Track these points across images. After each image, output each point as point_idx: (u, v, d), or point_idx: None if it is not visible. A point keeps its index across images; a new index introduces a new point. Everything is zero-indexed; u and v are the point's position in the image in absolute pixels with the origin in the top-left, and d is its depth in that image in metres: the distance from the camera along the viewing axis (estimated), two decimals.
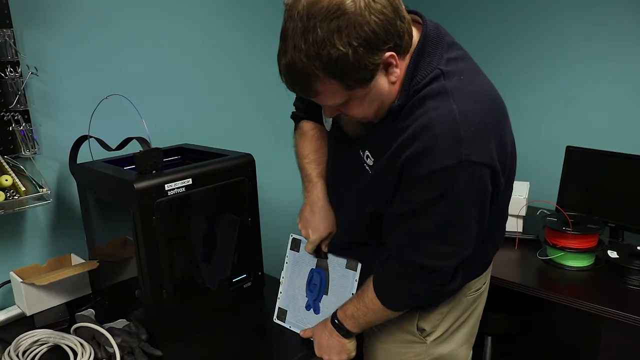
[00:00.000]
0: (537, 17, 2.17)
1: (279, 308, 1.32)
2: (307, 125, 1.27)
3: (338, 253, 1.24)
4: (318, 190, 1.22)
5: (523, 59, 2.25)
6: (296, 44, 0.83)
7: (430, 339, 1.18)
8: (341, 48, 0.81)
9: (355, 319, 1.13)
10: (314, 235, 1.21)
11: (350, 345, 1.18)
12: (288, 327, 1.29)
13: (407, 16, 0.90)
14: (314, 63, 0.83)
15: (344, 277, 1.22)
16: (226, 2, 1.83)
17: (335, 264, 1.24)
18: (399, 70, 0.92)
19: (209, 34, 1.81)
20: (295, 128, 1.31)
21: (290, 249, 1.32)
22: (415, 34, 0.94)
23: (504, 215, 1.19)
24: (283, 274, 1.33)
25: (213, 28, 1.81)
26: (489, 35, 2.33)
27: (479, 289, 1.22)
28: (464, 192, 0.91)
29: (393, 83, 0.93)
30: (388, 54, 0.87)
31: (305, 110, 1.27)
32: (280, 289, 1.33)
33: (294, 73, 0.87)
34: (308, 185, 1.25)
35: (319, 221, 1.21)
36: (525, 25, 2.22)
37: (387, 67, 0.90)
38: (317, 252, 1.26)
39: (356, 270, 1.20)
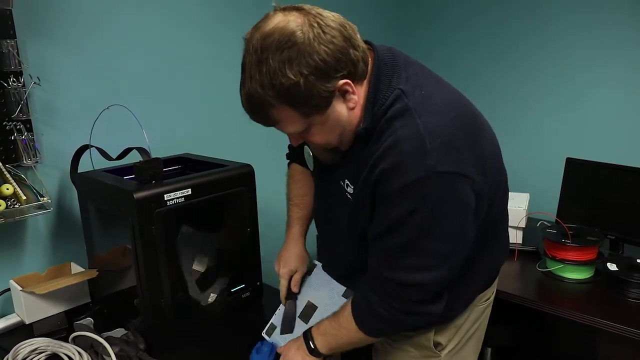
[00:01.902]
0: (537, 28, 2.19)
1: (271, 323, 1.31)
2: (297, 169, 1.34)
3: (338, 282, 1.25)
4: (294, 231, 1.33)
5: (523, 70, 2.26)
6: (252, 75, 0.87)
7: (444, 352, 1.17)
8: (292, 77, 0.85)
9: (326, 336, 1.12)
10: (283, 269, 1.29)
11: None
12: (271, 343, 1.28)
13: (362, 45, 0.93)
14: (268, 92, 0.87)
15: (337, 304, 1.20)
16: (229, 13, 1.86)
17: (334, 291, 1.24)
18: (356, 97, 0.94)
19: (211, 44, 1.83)
20: (288, 168, 1.39)
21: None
22: (370, 61, 0.97)
23: (502, 224, 1.18)
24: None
25: (215, 38, 1.83)
26: (489, 46, 2.34)
27: (488, 298, 1.23)
28: (438, 203, 0.90)
29: (352, 109, 0.95)
30: (342, 81, 0.90)
31: (295, 153, 1.33)
32: (279, 307, 1.33)
33: (251, 103, 0.91)
34: (288, 228, 1.34)
35: (289, 256, 1.30)
36: (524, 36, 2.23)
37: (344, 94, 0.93)
38: (288, 295, 1.30)
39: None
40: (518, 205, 1.85)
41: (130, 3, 1.59)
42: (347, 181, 1.05)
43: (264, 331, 1.31)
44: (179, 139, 1.74)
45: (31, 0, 1.37)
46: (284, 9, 0.90)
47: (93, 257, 1.45)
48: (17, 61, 1.33)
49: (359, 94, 0.95)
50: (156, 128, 1.62)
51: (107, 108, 1.35)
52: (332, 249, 1.24)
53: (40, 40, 1.40)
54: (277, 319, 1.31)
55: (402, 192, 0.90)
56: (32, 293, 1.31)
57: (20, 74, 1.34)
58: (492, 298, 1.26)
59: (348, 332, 1.08)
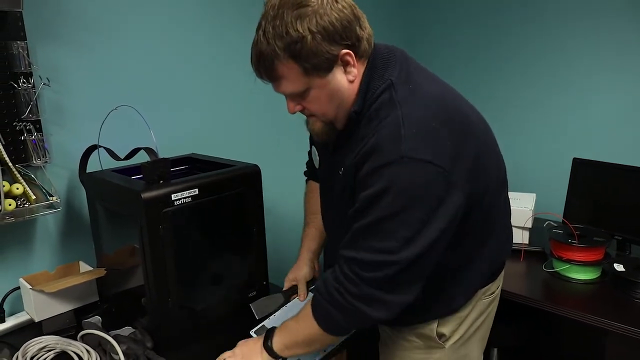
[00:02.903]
0: (545, 30, 2.18)
1: (263, 325, 1.31)
2: (313, 185, 1.45)
3: None
4: (303, 252, 1.44)
5: (529, 71, 2.26)
6: (266, 30, 0.96)
7: (449, 343, 1.18)
8: (301, 31, 0.93)
9: (284, 332, 1.12)
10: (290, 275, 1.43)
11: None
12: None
13: (369, 30, 1.01)
14: (277, 43, 0.94)
15: None
16: (236, 14, 1.87)
17: None
18: (355, 70, 1.01)
19: (219, 46, 1.84)
20: (306, 185, 1.51)
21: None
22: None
23: (500, 217, 1.18)
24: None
25: (223, 40, 1.84)
26: (496, 48, 2.34)
27: (493, 292, 1.24)
28: (406, 188, 0.93)
29: (351, 82, 1.01)
30: (345, 50, 0.97)
31: (312, 172, 1.46)
32: (275, 314, 1.35)
33: (260, 55, 0.97)
34: (300, 247, 1.46)
35: (294, 274, 1.42)
36: (532, 38, 2.23)
37: (346, 65, 0.99)
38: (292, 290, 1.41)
39: None
40: (525, 206, 1.85)
41: (137, 4, 1.60)
42: (342, 168, 1.08)
43: (254, 330, 1.31)
44: (186, 139, 1.76)
45: (41, 2, 1.38)
46: None
47: (101, 256, 1.47)
48: (27, 62, 1.35)
49: (358, 71, 1.02)
50: (164, 128, 1.63)
51: (116, 109, 1.36)
52: (333, 244, 1.25)
53: (49, 41, 1.42)
54: (269, 323, 1.32)
55: (373, 174, 0.95)
56: (42, 291, 1.33)
57: (30, 75, 1.36)
58: (497, 292, 1.27)
59: (305, 327, 1.08)
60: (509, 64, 2.31)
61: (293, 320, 1.12)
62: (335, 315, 1.02)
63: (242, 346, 1.18)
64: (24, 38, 1.34)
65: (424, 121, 0.96)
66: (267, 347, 1.13)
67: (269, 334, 1.15)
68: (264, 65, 0.98)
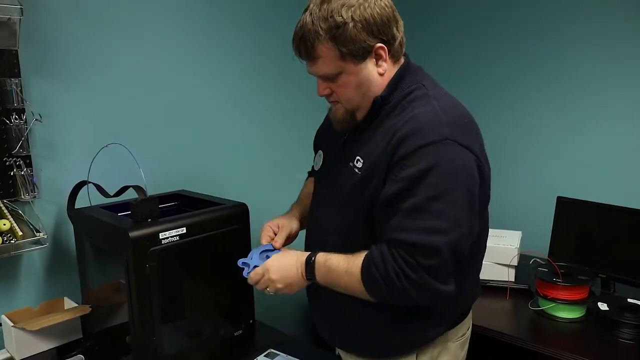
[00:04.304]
0: (531, 69, 2.23)
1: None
2: (312, 179, 1.41)
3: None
4: (292, 211, 1.39)
5: (516, 110, 2.31)
6: (312, 12, 1.04)
7: None
8: (345, 18, 1.01)
9: (329, 272, 1.10)
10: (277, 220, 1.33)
11: (300, 287, 1.17)
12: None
13: (402, 34, 1.10)
14: (321, 24, 1.02)
15: None
16: (228, 52, 1.91)
17: None
18: (386, 65, 1.08)
19: (209, 83, 1.87)
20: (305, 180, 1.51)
21: None
22: (403, 58, 1.14)
23: (473, 259, 1.19)
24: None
25: (215, 77, 1.88)
26: (481, 88, 2.39)
27: (464, 334, 1.24)
28: (450, 168, 0.99)
29: (380, 75, 1.09)
30: (380, 44, 1.05)
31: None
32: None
33: (303, 33, 1.05)
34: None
35: (283, 217, 1.35)
36: (516, 77, 2.28)
37: (378, 58, 1.07)
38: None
39: None
40: (510, 244, 1.87)
41: (130, 42, 1.63)
42: (358, 157, 1.12)
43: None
44: (177, 174, 1.77)
45: (36, 38, 1.41)
46: None
47: (87, 292, 1.46)
48: (20, 99, 1.37)
49: (389, 68, 1.10)
50: (155, 163, 1.65)
51: (107, 146, 1.37)
52: (313, 239, 1.25)
53: (43, 77, 1.44)
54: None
55: (417, 153, 0.99)
56: (23, 329, 1.31)
57: (23, 111, 1.38)
58: (468, 334, 1.27)
59: (351, 280, 1.07)
60: (494, 104, 2.35)
61: (342, 265, 1.09)
62: (384, 290, 1.03)
63: (284, 277, 1.16)
64: (18, 75, 1.36)
65: (458, 114, 1.07)
66: (309, 277, 1.13)
67: (310, 266, 1.13)
68: (305, 44, 1.05)
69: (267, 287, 1.18)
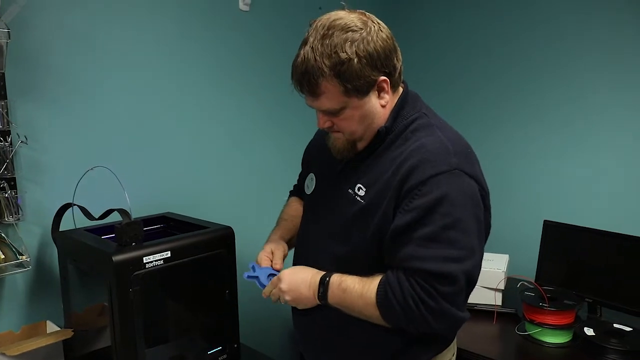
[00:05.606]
0: (514, 91, 2.26)
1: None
2: (294, 199, 1.44)
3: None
4: (276, 233, 1.36)
5: (502, 132, 2.33)
6: (314, 47, 1.01)
7: None
8: (349, 54, 0.99)
9: (343, 294, 1.09)
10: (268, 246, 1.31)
11: (307, 306, 1.16)
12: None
13: (401, 60, 1.09)
14: (325, 62, 1.00)
15: None
16: (213, 72, 1.91)
17: None
18: (388, 97, 1.09)
19: (196, 106, 1.87)
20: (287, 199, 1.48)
21: None
22: (401, 86, 1.14)
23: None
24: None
25: (200, 99, 1.88)
26: (469, 107, 2.42)
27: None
28: (461, 197, 1.01)
29: (383, 107, 1.09)
30: (383, 77, 1.05)
31: (298, 192, 1.43)
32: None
33: (305, 67, 1.01)
34: (271, 234, 1.38)
35: (270, 242, 1.32)
36: (499, 99, 2.31)
37: (381, 91, 1.07)
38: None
39: None
40: (497, 267, 1.87)
41: (116, 65, 1.63)
42: (359, 185, 1.12)
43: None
44: (163, 197, 1.76)
45: (22, 62, 1.42)
46: (348, 10, 1.05)
47: (69, 315, 1.44)
48: (6, 121, 1.37)
49: (390, 100, 1.10)
50: (140, 186, 1.65)
51: (92, 169, 1.37)
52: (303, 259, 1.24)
53: (29, 99, 1.44)
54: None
55: (428, 182, 1.00)
56: (3, 354, 1.29)
57: (8, 133, 1.37)
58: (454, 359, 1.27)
59: (366, 304, 1.06)
60: (479, 126, 2.37)
61: (357, 288, 1.07)
62: (400, 316, 1.03)
63: (294, 290, 1.15)
64: (4, 97, 1.36)
65: (462, 144, 1.09)
66: (321, 297, 1.12)
67: (324, 287, 1.11)
68: (308, 80, 1.02)
69: (279, 298, 1.18)
